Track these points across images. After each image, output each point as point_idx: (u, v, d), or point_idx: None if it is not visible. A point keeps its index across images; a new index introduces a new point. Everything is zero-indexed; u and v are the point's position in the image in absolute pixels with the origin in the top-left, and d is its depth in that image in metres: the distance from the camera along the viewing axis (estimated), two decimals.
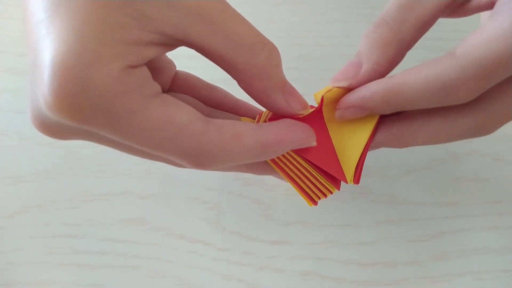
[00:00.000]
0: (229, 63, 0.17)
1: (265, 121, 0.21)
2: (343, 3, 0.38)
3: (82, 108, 0.14)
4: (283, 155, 0.21)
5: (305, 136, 0.19)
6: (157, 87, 0.16)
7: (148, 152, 0.16)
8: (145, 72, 0.16)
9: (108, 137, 0.16)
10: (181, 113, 0.16)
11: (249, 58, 0.16)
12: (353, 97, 0.19)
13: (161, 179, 0.30)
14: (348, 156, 0.22)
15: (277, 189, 0.30)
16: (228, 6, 0.16)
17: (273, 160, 0.22)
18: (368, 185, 0.30)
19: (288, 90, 0.19)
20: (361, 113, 0.20)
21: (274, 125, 0.18)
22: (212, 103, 0.24)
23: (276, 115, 0.20)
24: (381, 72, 0.19)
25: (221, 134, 0.16)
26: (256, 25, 0.17)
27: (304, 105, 0.20)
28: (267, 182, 0.30)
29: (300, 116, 0.20)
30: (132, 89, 0.15)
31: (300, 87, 0.33)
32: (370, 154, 0.31)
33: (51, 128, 0.16)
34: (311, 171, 0.21)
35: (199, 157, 0.16)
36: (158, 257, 0.28)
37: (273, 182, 0.30)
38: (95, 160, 0.31)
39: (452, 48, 0.17)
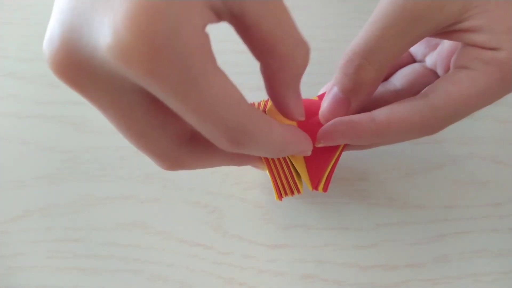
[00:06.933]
0: (269, 48, 0.16)
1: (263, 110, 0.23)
2: (342, 8, 0.38)
3: (162, 58, 0.13)
4: None
5: (309, 144, 0.21)
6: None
7: (187, 118, 0.15)
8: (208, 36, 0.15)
9: (159, 96, 0.14)
10: (235, 88, 0.15)
11: (290, 49, 0.16)
12: (344, 135, 0.22)
13: (162, 183, 0.30)
14: (319, 166, 0.24)
15: None
16: (284, 3, 0.16)
17: None
18: (367, 188, 0.30)
19: (300, 94, 0.20)
20: (346, 142, 0.23)
21: (290, 128, 0.19)
22: None
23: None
24: (366, 101, 0.22)
25: (260, 118, 0.17)
26: None
27: (303, 114, 0.21)
28: (268, 186, 0.30)
29: (297, 120, 0.21)
30: (209, 51, 0.14)
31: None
32: (368, 158, 0.31)
33: (78, 72, 0.14)
34: (285, 170, 0.24)
35: (240, 134, 0.16)
36: (159, 261, 0.28)
37: None
38: (96, 165, 0.31)
39: (428, 91, 0.21)
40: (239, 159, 0.22)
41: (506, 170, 0.31)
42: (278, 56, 0.16)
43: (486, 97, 0.20)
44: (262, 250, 0.28)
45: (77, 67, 0.14)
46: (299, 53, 0.17)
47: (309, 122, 0.24)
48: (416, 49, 0.27)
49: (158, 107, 0.17)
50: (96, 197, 0.30)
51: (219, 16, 0.15)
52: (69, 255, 0.28)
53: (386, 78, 0.27)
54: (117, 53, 0.13)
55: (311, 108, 0.24)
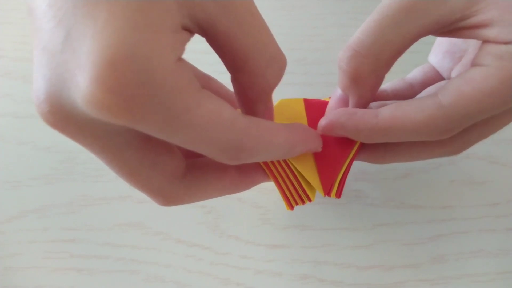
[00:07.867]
0: (240, 64, 0.16)
1: None
2: (340, 8, 0.38)
3: (140, 107, 0.13)
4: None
5: (318, 141, 0.21)
6: (197, 81, 0.15)
7: (188, 147, 0.15)
8: (189, 64, 0.15)
9: (152, 134, 0.14)
10: (225, 108, 0.15)
11: (262, 66, 0.16)
12: (344, 126, 0.21)
13: None
14: (331, 170, 0.23)
15: (275, 193, 0.30)
16: (259, 12, 0.16)
17: (265, 163, 0.23)
18: (364, 188, 0.30)
19: (269, 106, 0.19)
20: (346, 135, 0.21)
21: (297, 127, 0.19)
22: None
23: None
24: (367, 100, 0.21)
25: (259, 130, 0.16)
26: None
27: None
28: (265, 186, 0.30)
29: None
30: (187, 83, 0.14)
31: (297, 91, 0.34)
32: None
33: (66, 122, 0.15)
34: (292, 179, 0.23)
35: (240, 151, 0.16)
36: (157, 262, 0.28)
37: (271, 186, 0.30)
38: (93, 165, 0.31)
39: (438, 90, 0.19)
40: (236, 188, 0.22)
41: (503, 170, 0.31)
42: (248, 73, 0.16)
43: (501, 94, 0.18)
44: (259, 250, 0.28)
45: (63, 117, 0.14)
46: (271, 70, 0.16)
47: None
48: (441, 64, 0.26)
49: (149, 145, 0.17)
50: (93, 198, 0.30)
51: (190, 31, 0.15)
52: (66, 256, 0.28)
53: (412, 96, 0.25)
54: (96, 109, 0.13)
55: (322, 109, 0.23)
